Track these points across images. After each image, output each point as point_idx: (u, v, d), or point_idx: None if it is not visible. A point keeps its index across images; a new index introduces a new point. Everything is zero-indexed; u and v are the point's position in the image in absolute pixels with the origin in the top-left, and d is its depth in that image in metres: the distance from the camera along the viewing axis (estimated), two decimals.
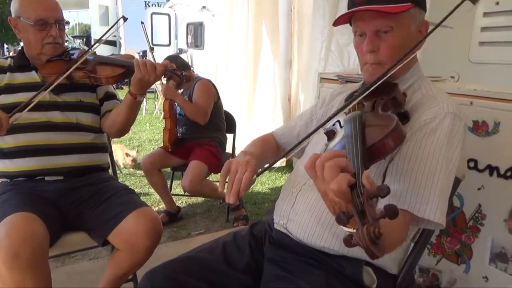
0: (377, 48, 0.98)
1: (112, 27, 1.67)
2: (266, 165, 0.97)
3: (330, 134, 0.98)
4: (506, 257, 1.34)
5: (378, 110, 0.92)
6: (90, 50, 1.53)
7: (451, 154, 0.92)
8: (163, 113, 2.72)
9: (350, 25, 1.06)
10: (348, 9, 1.00)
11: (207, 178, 2.71)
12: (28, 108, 1.38)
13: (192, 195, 2.80)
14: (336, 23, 1.05)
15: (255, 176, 0.98)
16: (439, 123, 0.92)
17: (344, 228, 0.65)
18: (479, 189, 1.40)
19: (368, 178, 0.66)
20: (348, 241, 0.60)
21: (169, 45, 8.97)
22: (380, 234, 0.58)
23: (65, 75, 1.45)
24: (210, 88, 2.72)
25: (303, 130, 1.27)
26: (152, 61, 1.45)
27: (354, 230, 0.63)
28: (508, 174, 1.31)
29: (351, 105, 0.93)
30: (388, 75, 0.89)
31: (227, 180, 1.00)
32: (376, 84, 0.89)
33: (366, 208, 0.61)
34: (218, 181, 2.79)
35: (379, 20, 0.95)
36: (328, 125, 1.01)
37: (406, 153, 0.92)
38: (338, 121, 0.98)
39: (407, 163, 0.91)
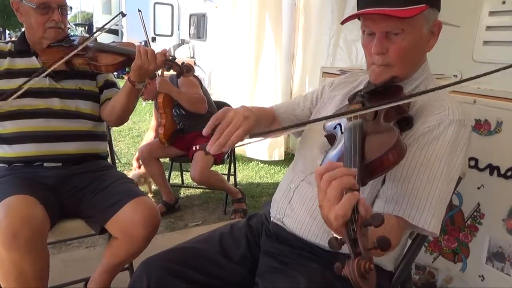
0: (386, 50, 0.94)
1: (110, 21, 1.66)
2: (266, 130, 0.91)
3: (331, 139, 0.96)
4: (503, 257, 1.34)
5: (380, 119, 0.88)
6: (91, 38, 1.51)
7: (453, 162, 0.91)
8: (157, 108, 2.65)
9: (359, 19, 1.03)
10: (358, 7, 0.97)
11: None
12: (20, 92, 1.36)
13: (201, 185, 2.80)
14: (344, 22, 1.01)
15: (247, 136, 0.90)
16: (443, 130, 0.90)
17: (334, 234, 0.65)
18: (478, 188, 1.40)
19: (364, 204, 0.64)
20: (340, 269, 0.59)
21: (171, 35, 8.92)
22: (370, 270, 0.57)
23: (62, 61, 1.43)
24: (192, 79, 2.69)
25: (306, 112, 1.24)
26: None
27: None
28: (509, 174, 1.31)
29: (352, 115, 0.87)
30: (398, 103, 0.82)
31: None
32: (383, 107, 0.83)
33: (359, 238, 0.61)
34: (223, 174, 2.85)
35: (390, 22, 0.91)
36: (329, 126, 0.98)
37: (407, 159, 0.89)
38: (339, 124, 0.94)
39: (406, 169, 0.90)
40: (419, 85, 1.03)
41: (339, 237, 0.64)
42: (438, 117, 0.92)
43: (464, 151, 0.93)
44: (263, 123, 1.15)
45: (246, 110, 0.98)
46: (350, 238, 0.62)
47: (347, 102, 1.07)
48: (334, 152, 0.86)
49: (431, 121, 0.92)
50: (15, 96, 1.36)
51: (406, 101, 0.86)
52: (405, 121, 0.92)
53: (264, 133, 0.86)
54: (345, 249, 0.61)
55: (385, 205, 0.90)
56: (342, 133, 0.91)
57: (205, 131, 0.93)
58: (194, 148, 2.61)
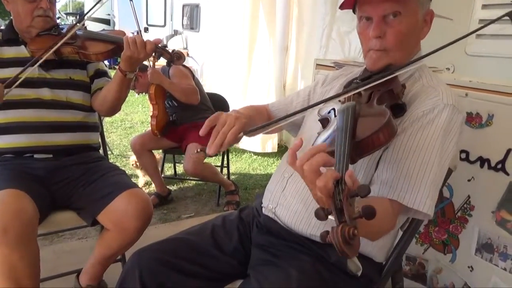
0: (383, 34, 0.96)
1: (97, 3, 1.62)
2: (258, 125, 0.95)
3: (324, 122, 0.97)
4: (492, 248, 1.36)
5: (373, 102, 0.90)
6: (78, 24, 1.48)
7: (446, 146, 0.92)
8: (149, 100, 2.63)
9: (353, 12, 1.03)
10: None
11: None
12: (16, 84, 1.35)
13: (194, 177, 2.80)
14: (342, 6, 1.02)
15: (241, 134, 0.95)
16: (437, 114, 0.91)
17: (330, 216, 0.65)
18: (469, 180, 1.41)
19: (351, 176, 0.66)
20: (324, 237, 0.60)
21: (164, 26, 8.81)
22: (354, 235, 0.58)
23: (53, 50, 1.41)
24: (183, 70, 2.68)
25: (299, 108, 1.24)
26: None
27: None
28: (499, 166, 1.32)
29: (347, 95, 0.91)
30: (391, 76, 0.87)
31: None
32: (376, 82, 0.86)
33: (345, 207, 0.62)
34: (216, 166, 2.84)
35: (388, 4, 0.93)
36: (324, 111, 1.00)
37: (401, 143, 0.91)
38: (334, 109, 0.96)
39: (401, 153, 0.91)
40: (413, 73, 1.03)
41: (326, 208, 0.65)
42: (432, 102, 0.93)
43: (457, 137, 0.94)
44: (257, 121, 1.17)
45: (236, 112, 1.03)
46: (336, 207, 0.63)
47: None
48: (326, 133, 0.87)
49: (425, 105, 0.93)
50: (14, 86, 1.35)
51: (399, 72, 0.90)
52: (398, 108, 0.93)
53: (258, 128, 0.91)
54: (331, 225, 0.61)
55: (379, 189, 0.91)
56: (335, 116, 0.93)
57: (202, 132, 0.97)
58: (196, 151, 2.63)
